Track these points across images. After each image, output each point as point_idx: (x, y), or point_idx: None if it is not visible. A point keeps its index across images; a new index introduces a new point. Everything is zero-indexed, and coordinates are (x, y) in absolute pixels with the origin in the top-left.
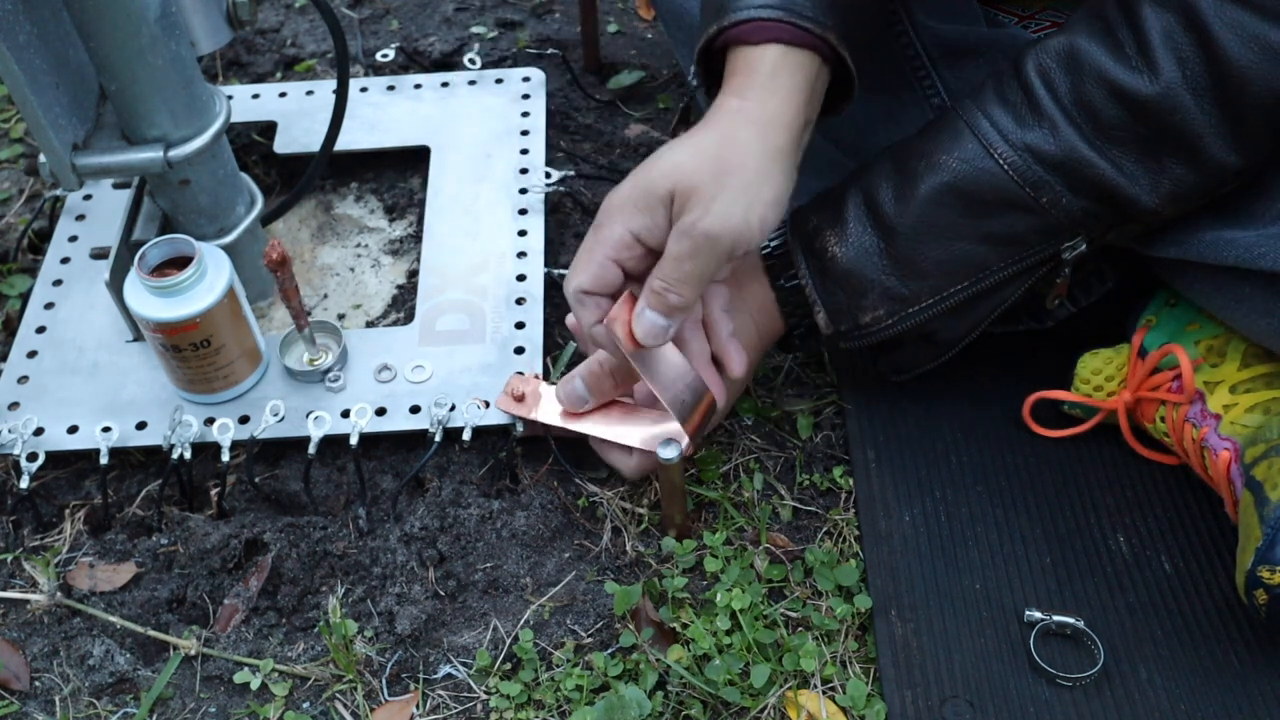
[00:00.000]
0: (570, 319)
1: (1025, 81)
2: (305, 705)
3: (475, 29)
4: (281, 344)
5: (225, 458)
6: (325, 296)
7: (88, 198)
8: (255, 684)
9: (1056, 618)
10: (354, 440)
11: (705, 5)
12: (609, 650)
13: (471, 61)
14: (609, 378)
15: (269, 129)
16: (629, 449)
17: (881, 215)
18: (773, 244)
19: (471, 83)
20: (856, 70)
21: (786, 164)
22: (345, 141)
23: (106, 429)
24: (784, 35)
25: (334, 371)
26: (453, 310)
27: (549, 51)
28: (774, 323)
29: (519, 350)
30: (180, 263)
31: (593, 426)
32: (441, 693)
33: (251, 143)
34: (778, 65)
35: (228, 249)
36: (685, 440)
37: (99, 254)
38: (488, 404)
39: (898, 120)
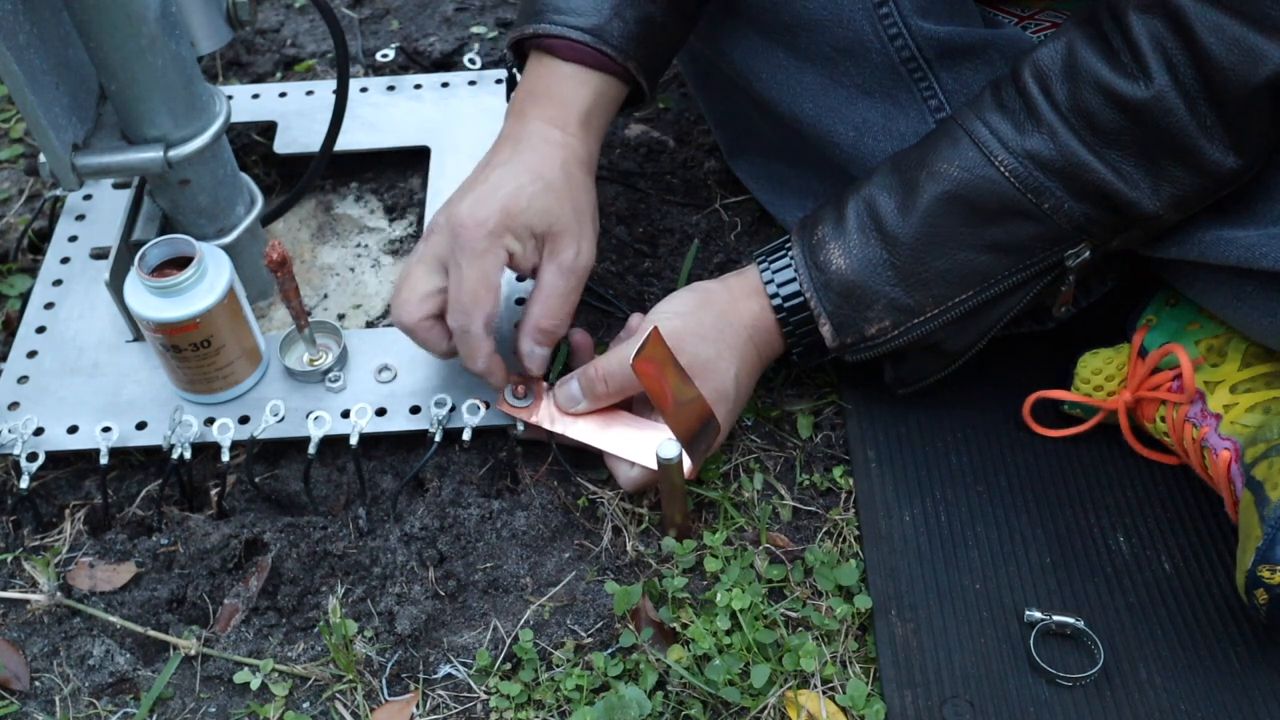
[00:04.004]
0: (484, 353)
1: (1023, 88)
2: (305, 705)
3: (475, 29)
4: (282, 344)
5: (225, 458)
6: (325, 296)
7: (88, 198)
8: (255, 684)
9: (1056, 618)
10: (354, 440)
11: (525, 3)
12: (609, 650)
13: (471, 61)
14: (602, 382)
15: (269, 129)
16: (631, 460)
17: (884, 226)
18: (772, 261)
19: (471, 83)
20: (650, 88)
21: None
22: (345, 141)
23: (106, 429)
24: (590, 59)
25: (334, 372)
26: None
27: None
28: (773, 342)
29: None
30: (180, 263)
31: (592, 435)
32: (441, 693)
33: (251, 143)
34: (592, 105)
35: (228, 249)
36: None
37: (99, 254)
38: (488, 404)
39: (895, 123)
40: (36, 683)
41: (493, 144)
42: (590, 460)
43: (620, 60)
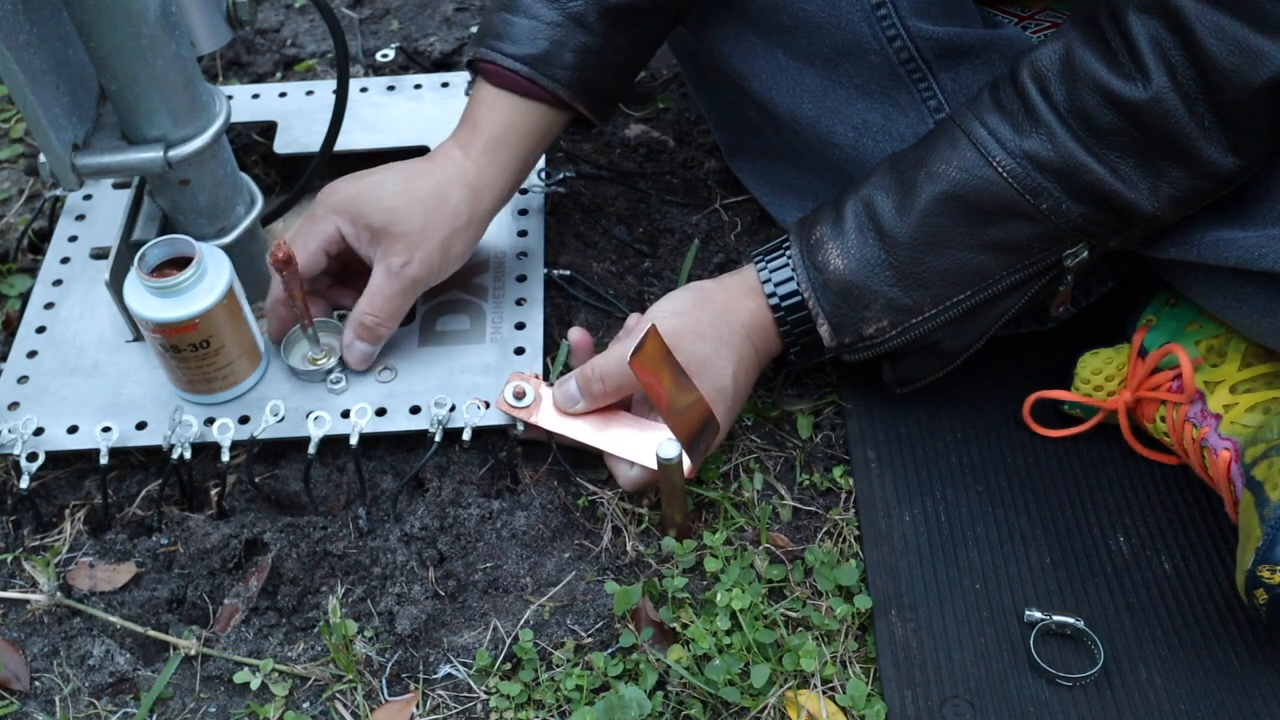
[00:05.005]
0: (270, 297)
1: (1021, 89)
2: (305, 705)
3: (475, 29)
4: (285, 343)
5: (225, 458)
6: None
7: (88, 198)
8: (255, 684)
9: (1056, 618)
10: (354, 440)
11: (482, 20)
12: (609, 650)
13: None
14: (599, 382)
15: (269, 129)
16: (630, 460)
17: (882, 226)
18: (769, 261)
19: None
20: (598, 115)
21: (484, 223)
22: (345, 141)
23: (106, 429)
24: (519, 88)
25: (335, 373)
26: (453, 310)
27: None
28: (770, 341)
29: (519, 351)
30: (180, 263)
31: (592, 436)
32: (441, 693)
33: (251, 143)
34: (505, 132)
35: (228, 249)
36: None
37: (99, 254)
38: (488, 404)
39: (894, 124)
40: (36, 683)
41: None
42: (590, 460)
43: (550, 88)
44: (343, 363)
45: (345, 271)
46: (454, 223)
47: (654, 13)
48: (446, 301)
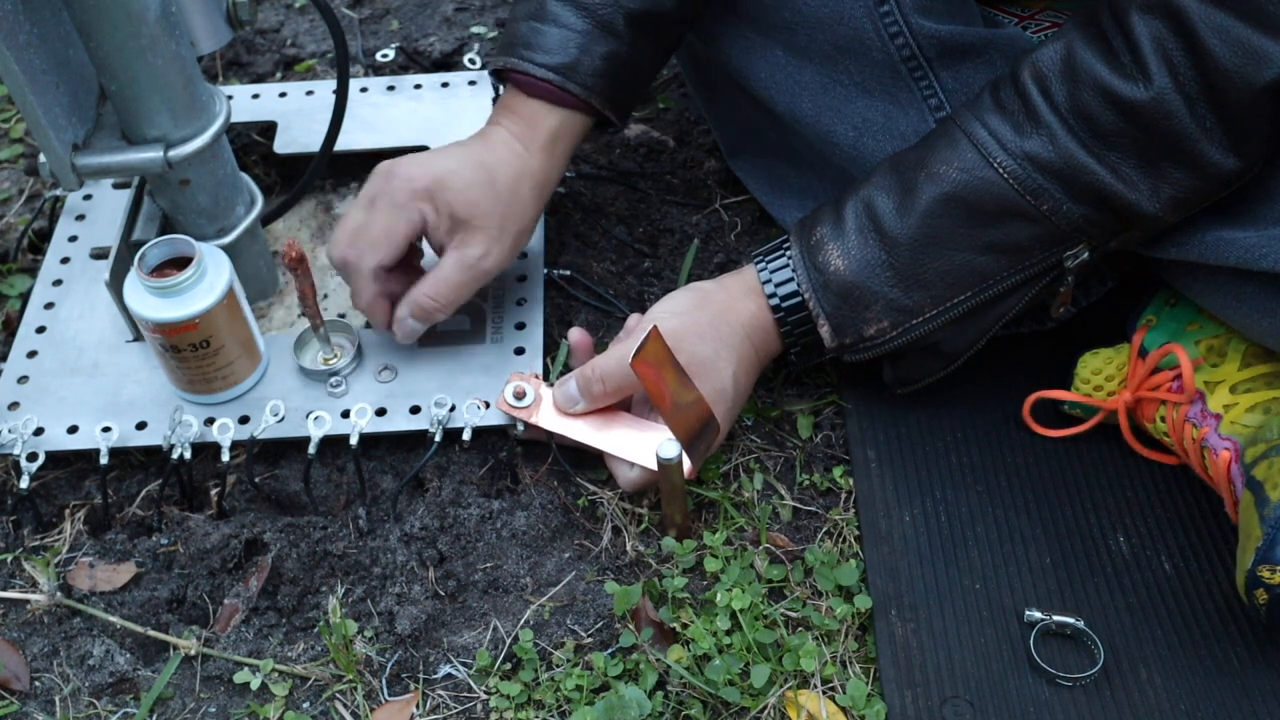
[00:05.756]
0: (365, 296)
1: (1022, 90)
2: (305, 705)
3: (475, 29)
4: (295, 343)
5: (225, 458)
6: (325, 296)
7: (88, 198)
8: (255, 684)
9: (1056, 618)
10: (354, 440)
11: (508, 28)
12: (609, 650)
13: (471, 61)
14: (599, 382)
15: (269, 129)
16: (630, 461)
17: (883, 227)
18: (769, 261)
19: (472, 83)
20: (620, 118)
21: (541, 216)
22: (345, 141)
23: (106, 429)
24: (552, 96)
25: (337, 377)
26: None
27: None
28: (770, 342)
29: (519, 351)
30: (180, 263)
31: (592, 436)
32: (441, 693)
33: (251, 143)
34: (558, 131)
35: (228, 249)
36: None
37: (99, 254)
38: (488, 404)
39: (895, 122)
40: (36, 683)
41: None
42: (590, 460)
43: (584, 97)
44: (354, 362)
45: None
46: (525, 219)
47: (676, 20)
48: None
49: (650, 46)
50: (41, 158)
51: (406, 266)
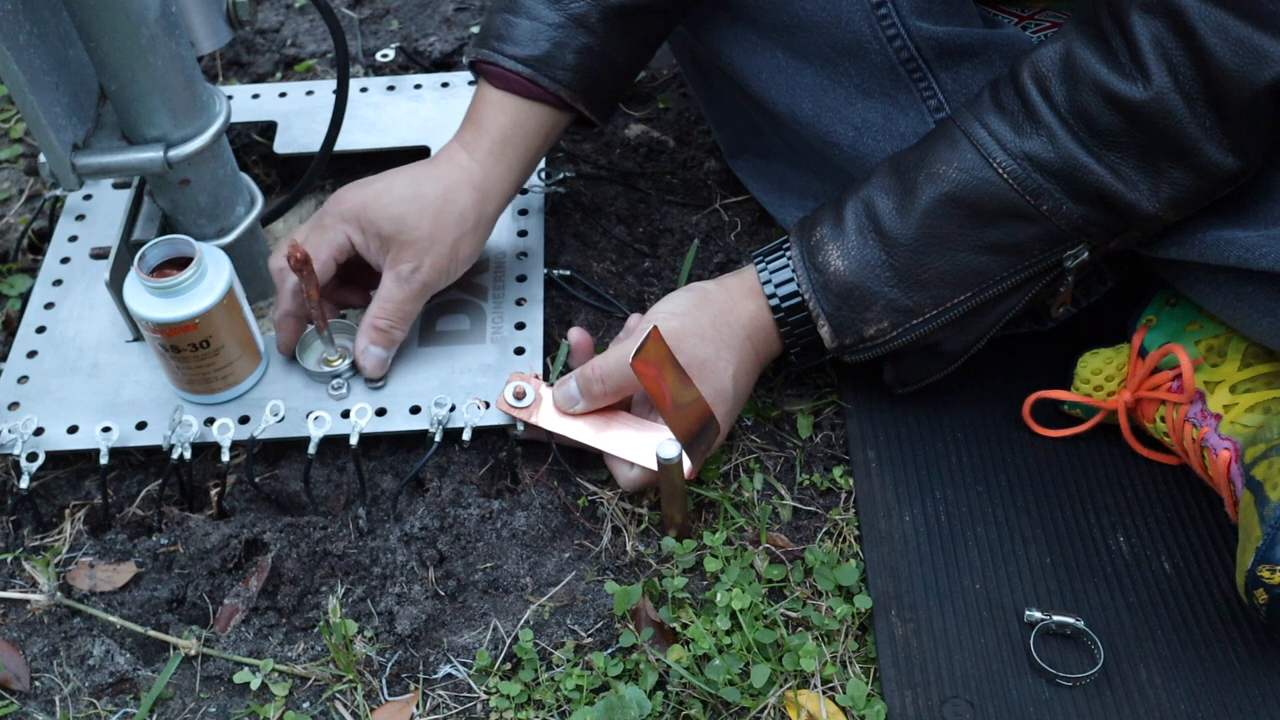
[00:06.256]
0: (278, 311)
1: (1022, 90)
2: (305, 705)
3: (475, 29)
4: (299, 344)
5: (225, 458)
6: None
7: (88, 198)
8: (255, 684)
9: (1056, 618)
10: (354, 440)
11: (484, 20)
12: (609, 650)
13: None
14: (599, 382)
15: (269, 129)
16: (630, 461)
17: (883, 227)
18: (770, 262)
19: (471, 83)
20: (599, 116)
21: (491, 224)
22: (345, 141)
23: (106, 429)
24: (522, 89)
25: (340, 379)
26: (453, 310)
27: None
28: (771, 342)
29: (519, 351)
30: (180, 263)
31: (592, 436)
32: (441, 693)
33: (251, 143)
34: (509, 133)
35: (228, 249)
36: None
37: (99, 254)
38: (488, 404)
39: (895, 123)
40: (36, 683)
41: None
42: (590, 460)
43: (554, 90)
44: (355, 366)
45: (351, 273)
46: (462, 226)
47: (655, 13)
48: (446, 301)
49: (627, 41)
50: (41, 158)
51: (361, 295)
